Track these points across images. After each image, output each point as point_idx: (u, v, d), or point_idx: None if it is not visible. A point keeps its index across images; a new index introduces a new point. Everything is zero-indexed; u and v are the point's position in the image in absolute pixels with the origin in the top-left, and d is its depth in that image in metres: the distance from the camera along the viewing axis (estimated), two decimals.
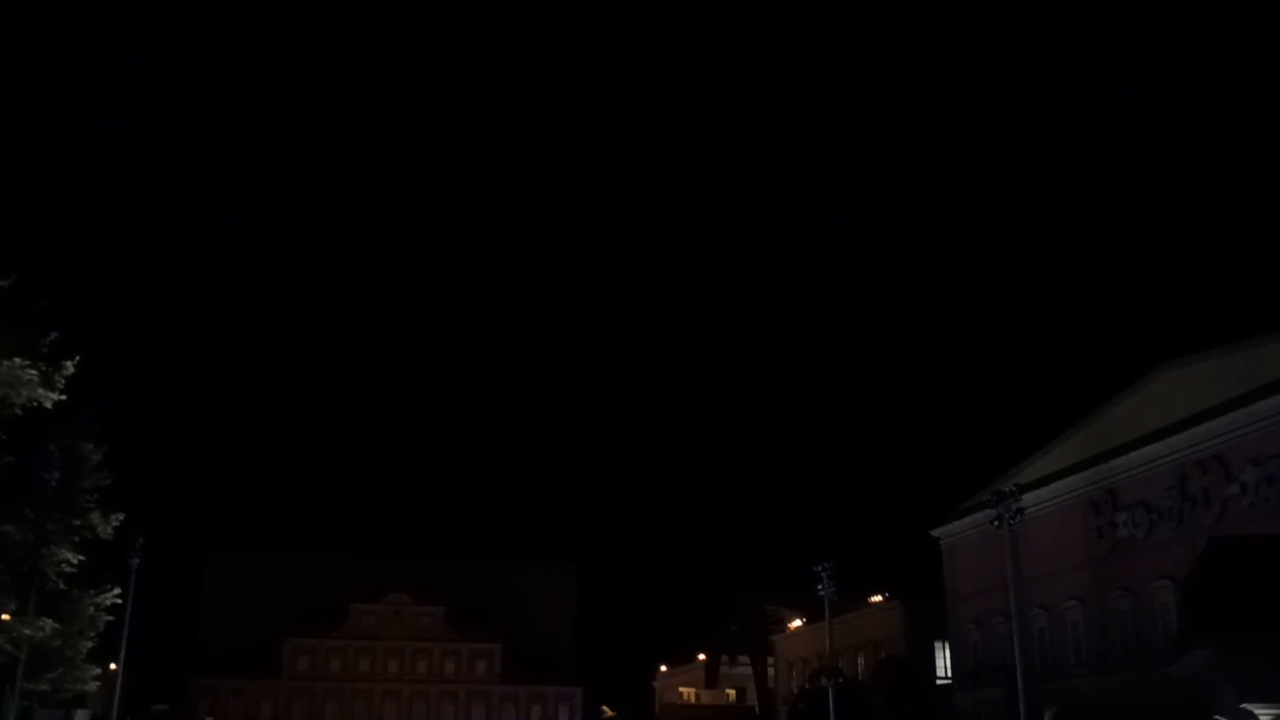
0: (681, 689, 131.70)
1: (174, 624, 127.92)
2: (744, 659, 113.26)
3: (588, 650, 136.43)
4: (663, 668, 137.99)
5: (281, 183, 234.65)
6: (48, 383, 46.10)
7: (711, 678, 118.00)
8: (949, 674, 79.72)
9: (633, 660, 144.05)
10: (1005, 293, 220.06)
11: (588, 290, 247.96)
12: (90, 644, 52.29)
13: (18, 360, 44.73)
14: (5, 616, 47.66)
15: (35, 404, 46.22)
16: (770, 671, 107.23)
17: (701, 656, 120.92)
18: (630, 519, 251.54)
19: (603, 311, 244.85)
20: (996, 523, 54.08)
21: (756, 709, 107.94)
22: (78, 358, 47.18)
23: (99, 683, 57.27)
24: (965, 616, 75.80)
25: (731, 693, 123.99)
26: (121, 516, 52.03)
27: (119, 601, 54.29)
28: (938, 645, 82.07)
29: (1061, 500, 66.02)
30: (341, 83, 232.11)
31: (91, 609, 51.58)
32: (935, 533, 79.55)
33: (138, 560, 61.56)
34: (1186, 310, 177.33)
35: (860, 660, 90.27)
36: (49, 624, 48.16)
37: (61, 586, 50.05)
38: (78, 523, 50.52)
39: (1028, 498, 57.95)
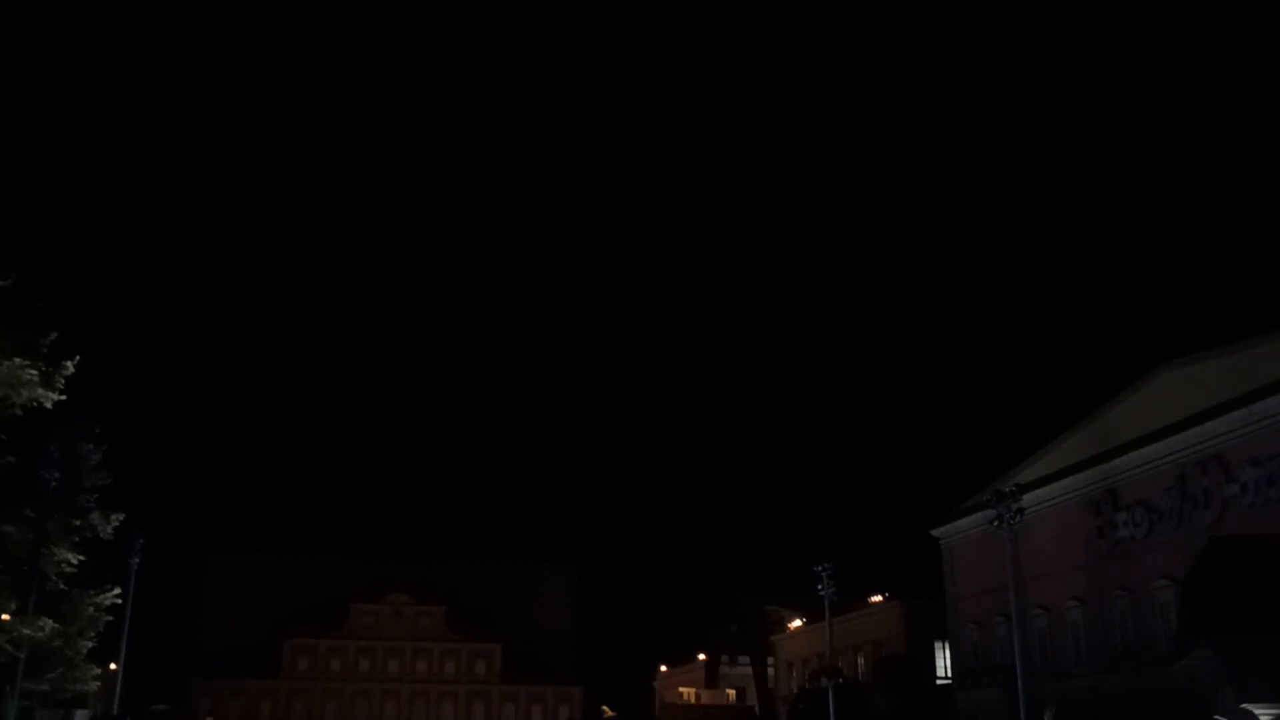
0: (681, 689, 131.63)
1: (174, 624, 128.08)
2: (744, 659, 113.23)
3: (588, 650, 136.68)
4: (663, 668, 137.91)
5: (280, 182, 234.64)
6: (48, 383, 45.98)
7: (711, 678, 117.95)
8: (949, 674, 79.67)
9: (633, 660, 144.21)
10: (1005, 293, 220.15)
11: (588, 291, 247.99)
12: (90, 644, 52.19)
13: (18, 360, 44.62)
14: (5, 616, 47.59)
15: (35, 404, 46.07)
16: (770, 671, 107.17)
17: (701, 656, 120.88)
18: (630, 519, 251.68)
19: (603, 312, 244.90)
20: (996, 523, 54.08)
21: (756, 709, 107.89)
22: (78, 358, 47.07)
23: (99, 683, 57.22)
24: (965, 616, 75.75)
25: (731, 693, 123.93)
26: (121, 516, 51.95)
27: (119, 601, 54.21)
28: (938, 645, 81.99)
29: (1061, 500, 65.97)
30: (337, 76, 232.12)
31: (91, 609, 51.48)
32: (935, 533, 79.49)
33: (138, 560, 61.62)
34: (1186, 310, 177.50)
35: (860, 660, 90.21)
36: (49, 624, 48.09)
37: (61, 586, 49.94)
38: (78, 523, 50.42)
39: (1028, 498, 57.88)
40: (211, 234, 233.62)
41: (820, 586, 68.75)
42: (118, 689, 66.42)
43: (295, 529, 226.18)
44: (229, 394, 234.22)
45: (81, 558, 50.33)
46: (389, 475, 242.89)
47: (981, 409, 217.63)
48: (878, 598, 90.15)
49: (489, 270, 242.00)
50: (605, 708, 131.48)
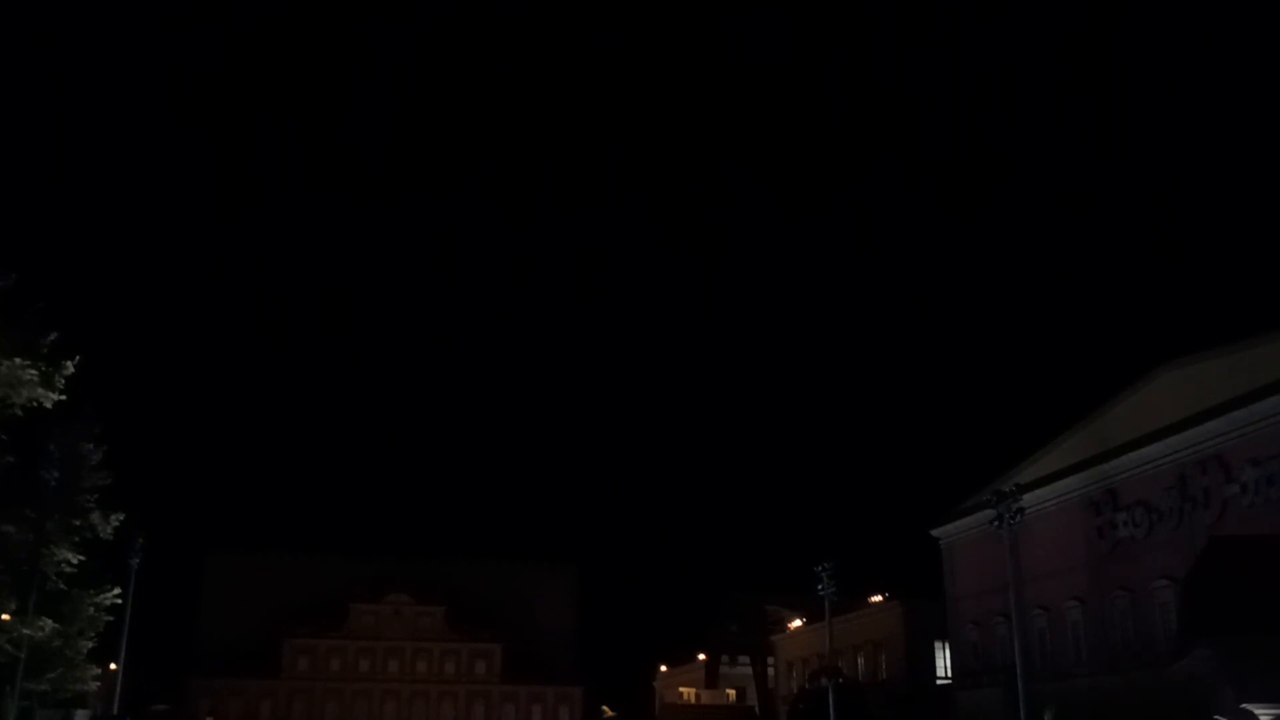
0: (681, 689, 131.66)
1: (174, 624, 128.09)
2: (744, 659, 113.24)
3: (588, 650, 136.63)
4: (663, 668, 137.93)
5: (280, 182, 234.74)
6: (48, 383, 46.00)
7: (711, 678, 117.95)
8: (949, 674, 79.70)
9: (633, 660, 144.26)
10: (1005, 293, 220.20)
11: (588, 291, 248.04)
12: (90, 644, 52.19)
13: (18, 360, 44.64)
14: (5, 616, 47.59)
15: (35, 404, 46.10)
16: (770, 671, 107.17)
17: (701, 656, 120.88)
18: (630, 519, 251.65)
19: (603, 312, 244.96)
20: (996, 523, 54.09)
21: (756, 709, 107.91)
22: (78, 358, 47.11)
23: (99, 683, 57.21)
24: (965, 616, 75.76)
25: (731, 693, 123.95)
26: (121, 516, 51.96)
27: (119, 601, 54.22)
28: (938, 645, 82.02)
29: (1061, 500, 65.97)
30: (337, 76, 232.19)
31: (91, 609, 51.48)
32: (935, 533, 79.50)
33: (138, 560, 61.61)
34: (1186, 310, 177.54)
35: (860, 660, 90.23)
36: (49, 624, 48.09)
37: (61, 586, 49.95)
38: (78, 523, 50.41)
39: (1028, 498, 57.90)
40: (211, 234, 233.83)
41: (820, 586, 68.75)
42: (118, 689, 66.41)
43: (295, 529, 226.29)
44: (228, 394, 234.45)
45: (81, 558, 50.33)
46: (389, 475, 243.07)
47: (981, 409, 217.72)
48: (878, 598, 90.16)
49: (489, 270, 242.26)
50: (605, 708, 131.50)
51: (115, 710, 67.94)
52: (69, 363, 46.82)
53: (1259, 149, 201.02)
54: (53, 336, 46.82)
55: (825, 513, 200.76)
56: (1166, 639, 52.47)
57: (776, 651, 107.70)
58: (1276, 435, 50.88)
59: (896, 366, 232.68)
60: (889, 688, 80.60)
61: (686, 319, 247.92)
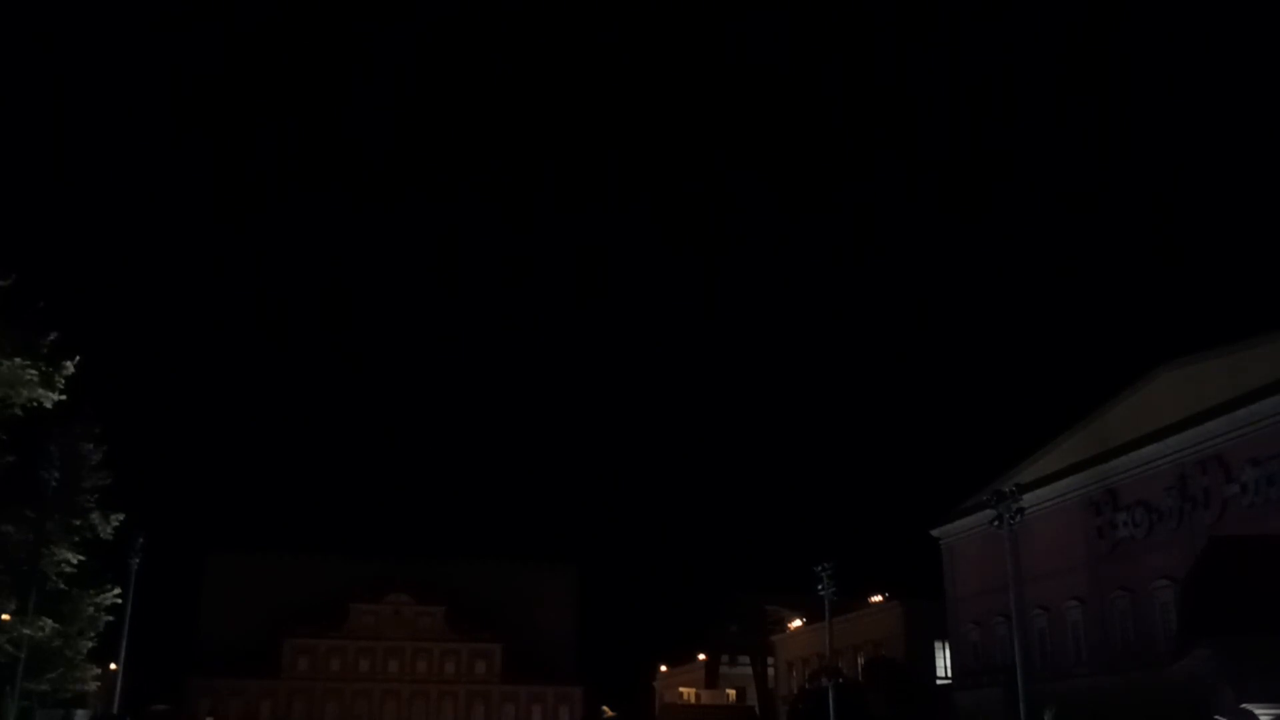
0: (681, 689, 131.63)
1: (174, 624, 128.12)
2: (744, 659, 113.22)
3: (588, 650, 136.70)
4: (663, 668, 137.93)
5: (280, 182, 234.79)
6: (48, 383, 46.02)
7: (711, 678, 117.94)
8: (949, 674, 79.70)
9: (633, 660, 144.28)
10: (1005, 293, 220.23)
11: (588, 291, 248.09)
12: (90, 644, 52.21)
13: (18, 360, 44.66)
14: (5, 616, 47.59)
15: (35, 404, 46.12)
16: (770, 671, 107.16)
17: (701, 656, 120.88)
18: (630, 519, 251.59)
19: (603, 312, 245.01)
20: (996, 523, 54.08)
21: (756, 709, 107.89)
22: (78, 358, 47.14)
23: (99, 683, 57.20)
24: (965, 616, 75.77)
25: (731, 693, 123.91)
26: (121, 516, 51.97)
27: (119, 601, 54.25)
28: (938, 645, 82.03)
29: (1061, 500, 65.99)
30: (337, 76, 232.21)
31: (91, 609, 51.50)
32: (935, 533, 79.52)
33: (138, 560, 61.62)
34: (1186, 310, 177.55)
35: (860, 660, 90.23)
36: (49, 624, 48.10)
37: (61, 586, 49.98)
38: (78, 523, 50.43)
39: (1028, 498, 57.89)
40: (211, 234, 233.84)
41: (820, 586, 68.76)
42: (118, 689, 66.40)
43: (295, 529, 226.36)
44: (228, 394, 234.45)
45: (81, 558, 50.34)
46: (389, 475, 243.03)
47: (981, 409, 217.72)
48: (878, 598, 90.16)
49: (489, 270, 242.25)
50: (605, 708, 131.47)
51: (115, 710, 67.93)
52: (69, 363, 46.83)
53: (1259, 149, 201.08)
54: (53, 336, 46.83)
55: (825, 513, 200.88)
56: (1166, 639, 52.47)
57: (776, 651, 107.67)
58: (1276, 435, 50.91)
59: (896, 367, 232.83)
60: (888, 687, 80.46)
61: (686, 319, 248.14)
